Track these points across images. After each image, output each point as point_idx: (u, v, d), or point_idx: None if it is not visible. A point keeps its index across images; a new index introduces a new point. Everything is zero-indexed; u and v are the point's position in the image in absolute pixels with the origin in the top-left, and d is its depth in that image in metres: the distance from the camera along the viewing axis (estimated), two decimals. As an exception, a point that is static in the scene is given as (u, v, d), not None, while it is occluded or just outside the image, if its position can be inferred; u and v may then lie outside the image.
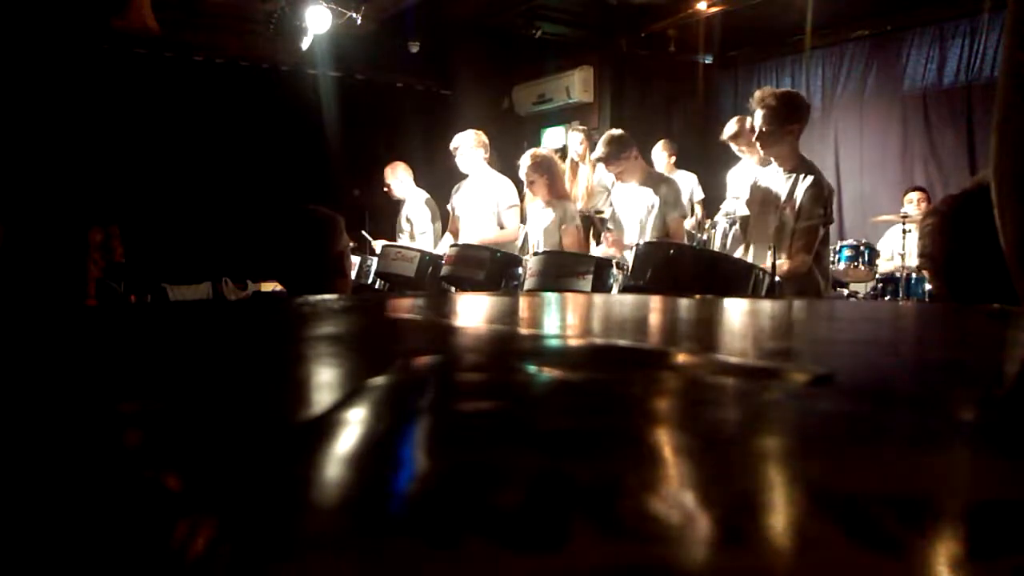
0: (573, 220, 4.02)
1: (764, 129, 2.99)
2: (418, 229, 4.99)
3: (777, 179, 3.06)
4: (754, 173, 3.47)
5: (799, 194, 2.95)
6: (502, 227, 4.28)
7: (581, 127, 5.66)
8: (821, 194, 2.97)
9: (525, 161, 4.08)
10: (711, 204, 5.46)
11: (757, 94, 3.07)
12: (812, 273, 3.03)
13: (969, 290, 1.32)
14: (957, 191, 1.41)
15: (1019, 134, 0.66)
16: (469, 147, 4.33)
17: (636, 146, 3.87)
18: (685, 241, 3.90)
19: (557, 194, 4.06)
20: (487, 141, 4.39)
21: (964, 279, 1.35)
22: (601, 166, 4.93)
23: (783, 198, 2.99)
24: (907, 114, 6.15)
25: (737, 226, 4.00)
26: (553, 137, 7.14)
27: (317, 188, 5.74)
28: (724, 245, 4.00)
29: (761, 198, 3.09)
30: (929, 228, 1.40)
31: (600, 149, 3.78)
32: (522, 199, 4.41)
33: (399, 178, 5.10)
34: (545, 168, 4.03)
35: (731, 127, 4.47)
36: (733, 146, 4.56)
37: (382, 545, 0.18)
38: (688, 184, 5.24)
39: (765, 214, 3.05)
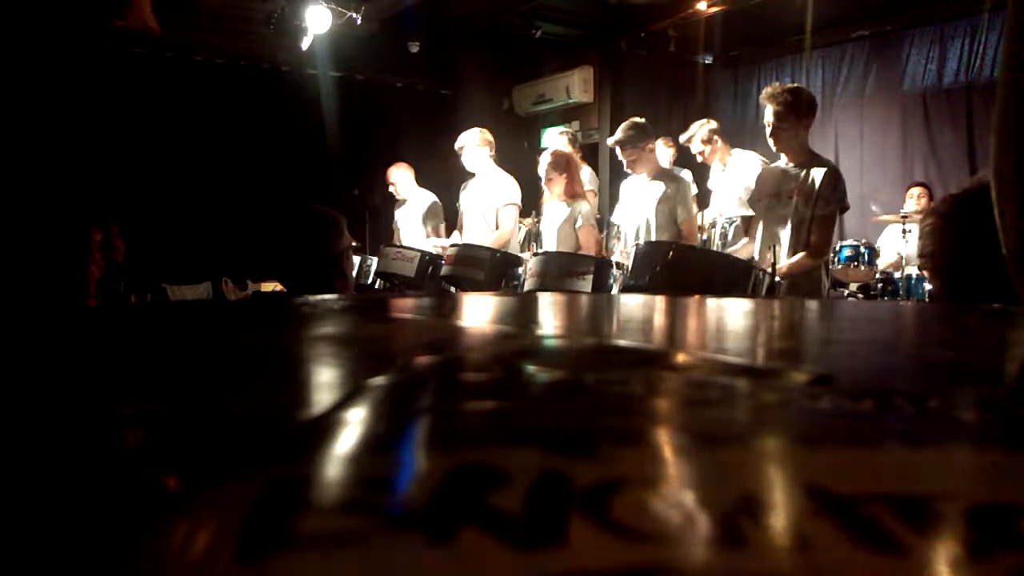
0: (588, 219, 4.01)
1: (781, 125, 3.00)
2: (415, 229, 4.99)
3: (786, 172, 3.06)
4: (760, 167, 3.47)
5: (816, 183, 2.96)
6: (498, 226, 4.28)
7: (566, 129, 5.67)
8: (838, 181, 2.99)
9: (545, 158, 4.08)
10: (701, 202, 5.49)
11: (768, 90, 3.07)
12: (819, 270, 3.04)
13: (969, 290, 1.32)
14: (957, 191, 1.41)
15: (1019, 134, 0.66)
16: (474, 145, 4.33)
17: (654, 140, 3.90)
18: (697, 240, 3.91)
19: (573, 193, 4.06)
20: (492, 139, 4.39)
21: (964, 279, 1.34)
22: (587, 168, 4.95)
23: (795, 190, 3.00)
24: (907, 114, 6.15)
25: (738, 224, 4.00)
26: (553, 137, 7.14)
27: (317, 188, 5.74)
28: (724, 245, 4.01)
29: (771, 191, 3.10)
30: (929, 228, 1.40)
31: (619, 133, 3.77)
32: (530, 197, 4.41)
33: (402, 177, 5.13)
34: (563, 166, 4.03)
35: (692, 130, 4.53)
36: (693, 148, 4.59)
37: (381, 544, 0.18)
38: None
39: (777, 206, 3.05)
